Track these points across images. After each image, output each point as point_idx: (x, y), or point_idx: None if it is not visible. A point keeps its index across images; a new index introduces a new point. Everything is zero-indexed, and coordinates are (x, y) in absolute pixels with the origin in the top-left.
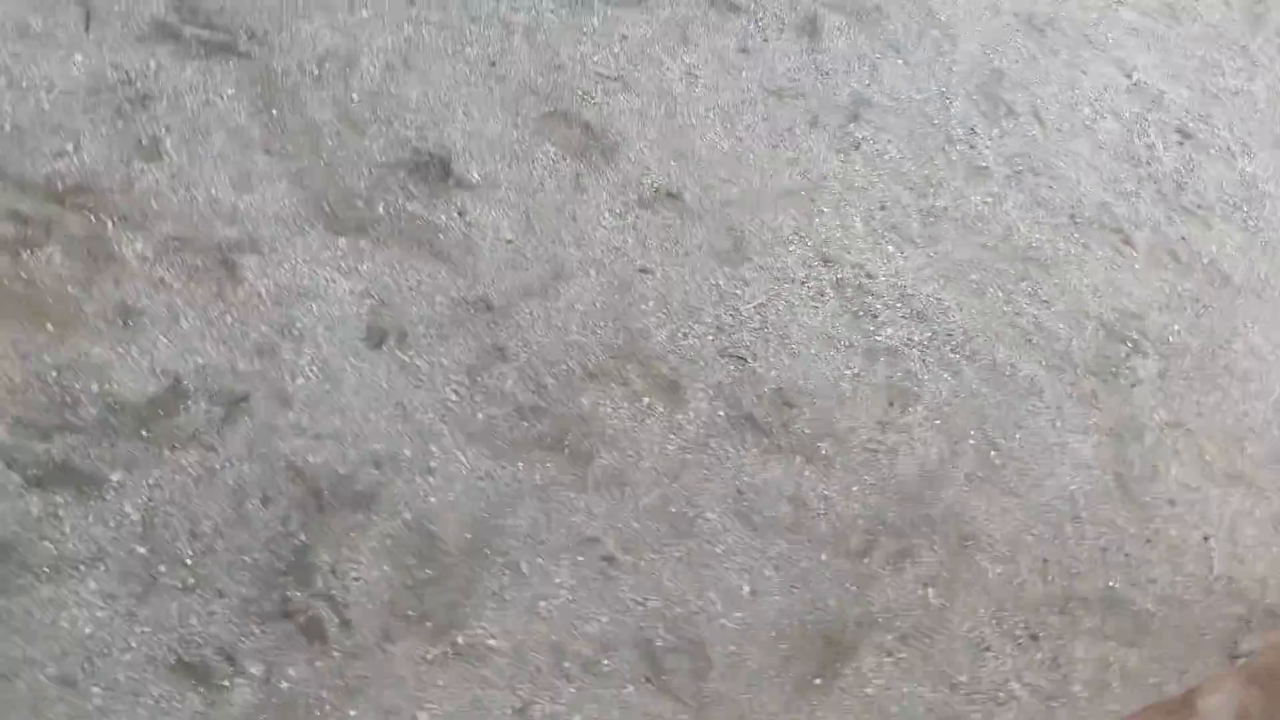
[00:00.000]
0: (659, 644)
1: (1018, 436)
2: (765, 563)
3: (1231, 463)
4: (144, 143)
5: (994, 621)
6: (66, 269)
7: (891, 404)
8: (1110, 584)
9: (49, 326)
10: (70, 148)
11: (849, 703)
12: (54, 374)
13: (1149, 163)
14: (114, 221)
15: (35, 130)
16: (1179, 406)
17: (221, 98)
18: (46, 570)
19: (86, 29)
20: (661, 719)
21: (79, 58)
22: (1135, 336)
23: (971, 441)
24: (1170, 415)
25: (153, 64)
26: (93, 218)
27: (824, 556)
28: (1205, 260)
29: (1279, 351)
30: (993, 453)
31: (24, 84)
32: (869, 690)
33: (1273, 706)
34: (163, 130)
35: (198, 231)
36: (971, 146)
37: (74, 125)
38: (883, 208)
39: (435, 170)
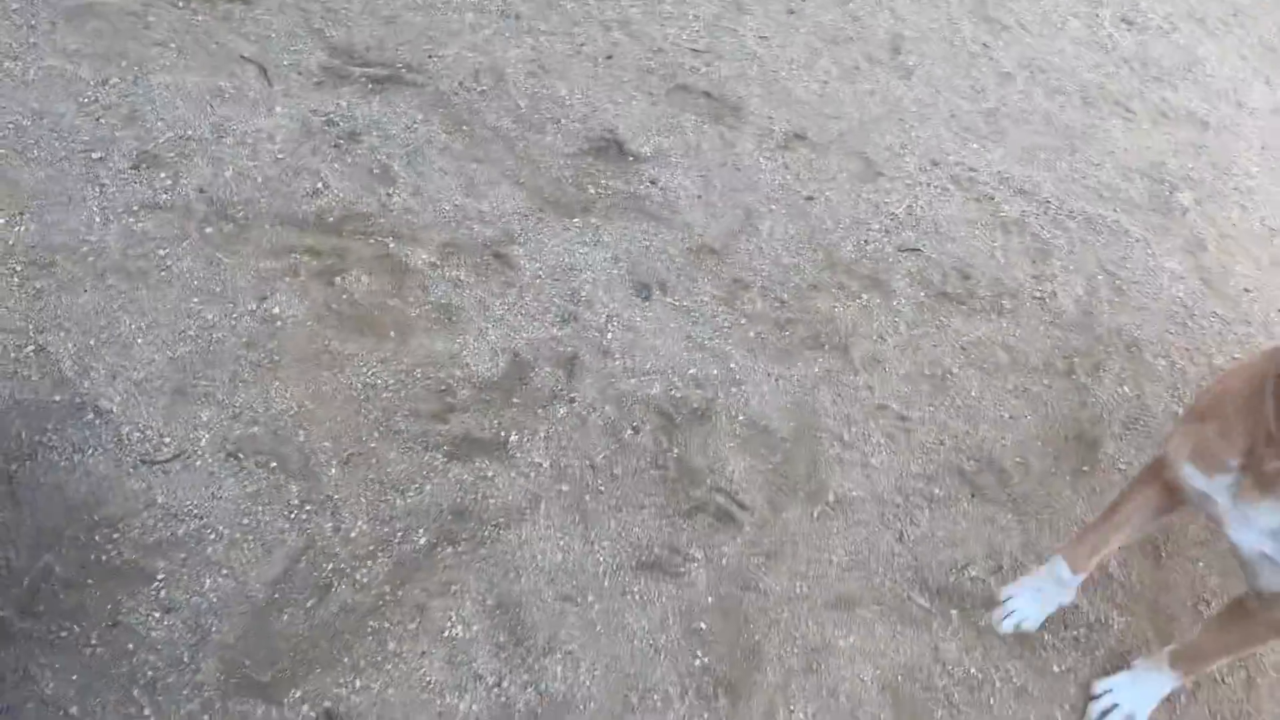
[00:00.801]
0: (968, 468)
1: (1127, 265)
2: (1007, 396)
3: (1274, 254)
4: (375, 170)
5: (1173, 397)
6: (376, 285)
7: (1034, 262)
8: (1233, 355)
9: (391, 334)
10: (320, 185)
11: (1114, 478)
12: (418, 371)
13: (1113, 49)
14: (391, 239)
15: (281, 177)
16: (1219, 221)
17: (415, 122)
18: (502, 520)
19: (269, 83)
20: (993, 520)
21: (279, 109)
22: (1168, 178)
23: (1100, 276)
24: (1217, 230)
25: (343, 104)
26: (372, 240)
27: (1045, 381)
28: (1184, 113)
29: (1265, 167)
30: (1116, 280)
31: (248, 140)
32: (1121, 465)
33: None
34: (385, 157)
35: (462, 235)
36: (990, 58)
37: (311, 166)
38: (952, 115)
39: (613, 151)
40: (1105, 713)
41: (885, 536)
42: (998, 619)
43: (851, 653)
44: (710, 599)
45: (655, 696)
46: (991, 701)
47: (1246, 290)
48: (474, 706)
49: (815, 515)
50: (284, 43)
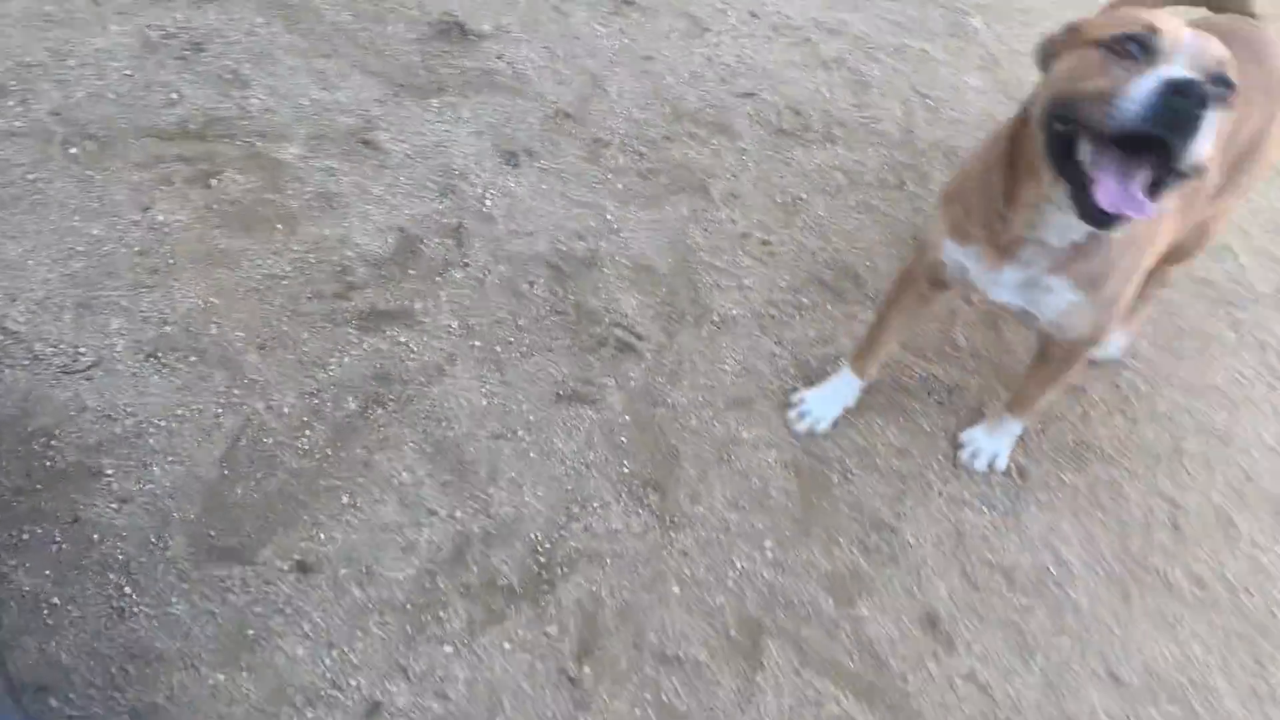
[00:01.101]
0: (827, 277)
1: (936, 86)
2: (851, 211)
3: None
4: (226, 76)
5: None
6: (252, 183)
7: (855, 93)
8: None
9: (278, 227)
10: (175, 96)
11: None
12: (312, 257)
13: None
14: (257, 139)
15: (134, 92)
16: (1007, 39)
17: (255, 26)
18: (423, 378)
19: (96, 2)
20: (855, 317)
21: (113, 28)
22: (959, 5)
23: (914, 99)
24: (1006, 47)
25: (178, 16)
26: (238, 141)
27: (881, 195)
28: None
29: None
30: (928, 101)
31: (90, 61)
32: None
33: None
34: (233, 63)
35: (325, 126)
36: None
37: (161, 79)
38: None
39: (455, 32)
40: (974, 455)
41: (766, 343)
42: (793, 420)
43: (755, 442)
44: (626, 417)
45: (594, 504)
46: (878, 463)
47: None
48: (434, 536)
49: (704, 335)
50: None
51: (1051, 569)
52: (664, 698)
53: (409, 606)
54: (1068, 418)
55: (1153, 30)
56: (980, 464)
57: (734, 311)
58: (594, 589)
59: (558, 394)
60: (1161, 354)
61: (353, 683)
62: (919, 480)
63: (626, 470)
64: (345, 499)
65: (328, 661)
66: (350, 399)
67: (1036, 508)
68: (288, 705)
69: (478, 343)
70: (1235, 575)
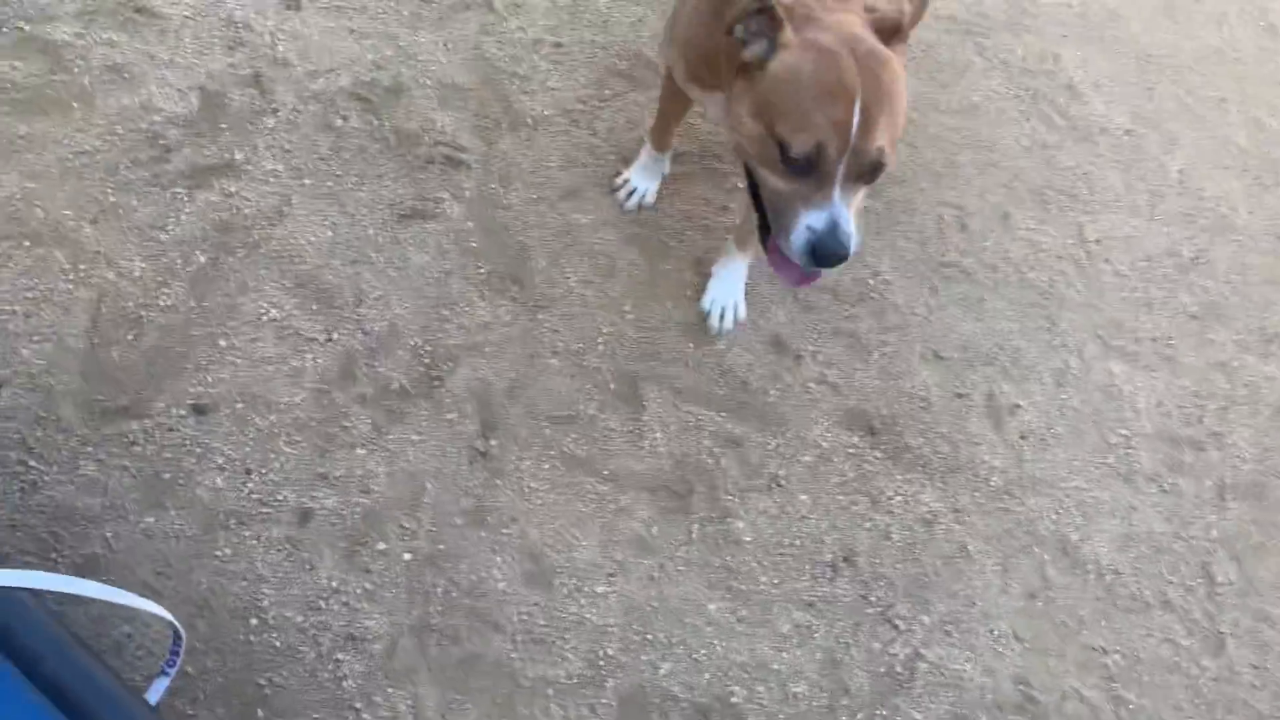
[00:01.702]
0: (622, 67)
1: None
2: (629, 4)
3: None
4: None
5: None
6: (33, 67)
7: None
8: None
9: (74, 105)
10: None
11: None
12: (118, 128)
13: None
14: (23, 23)
15: None
16: None
17: None
18: (264, 222)
19: None
20: (644, 95)
21: None
22: None
23: None
24: None
25: None
26: (3, 29)
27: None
28: None
29: None
30: None
31: None
32: None
33: None
34: None
35: (89, 1)
36: None
37: None
38: None
39: None
40: (721, 314)
41: (582, 136)
42: (622, 200)
43: (594, 225)
44: (470, 224)
45: (461, 304)
46: (705, 222)
47: None
48: (318, 361)
49: (523, 138)
50: None
51: (869, 281)
52: (566, 449)
53: (313, 423)
54: None
55: (823, 148)
56: (728, 321)
57: (545, 112)
58: (481, 375)
59: (399, 215)
60: (926, 85)
61: (280, 497)
62: None
63: (483, 271)
64: (222, 343)
65: (250, 486)
66: (198, 253)
67: None
68: (222, 530)
69: (308, 180)
70: (1018, 257)
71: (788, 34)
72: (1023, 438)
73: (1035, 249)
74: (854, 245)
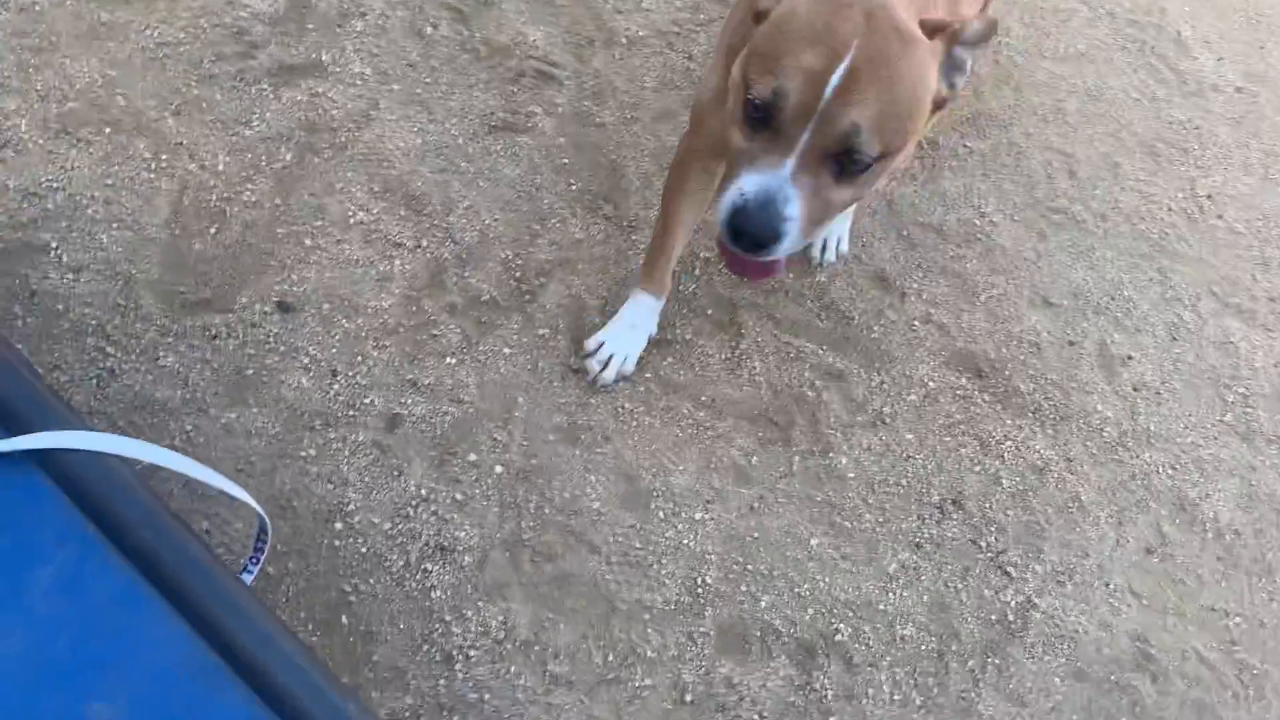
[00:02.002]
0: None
1: None
2: None
3: None
4: None
5: None
6: None
7: None
8: None
9: (159, 3)
10: None
11: None
12: (203, 21)
13: None
14: None
15: None
16: None
17: None
18: (352, 124)
19: None
20: None
21: None
22: None
23: None
24: None
25: None
26: None
27: None
28: None
29: None
30: None
31: None
32: None
33: None
34: None
35: None
36: None
37: None
38: None
39: None
40: (823, 249)
41: (677, 59)
42: (594, 372)
43: None
44: (562, 140)
45: (553, 220)
46: None
47: None
48: (407, 266)
49: (616, 57)
50: None
51: (975, 221)
52: (663, 374)
53: (401, 329)
54: (963, 95)
55: (781, 95)
56: (829, 254)
57: (640, 33)
58: (573, 292)
59: (489, 126)
60: (1030, 30)
61: (367, 401)
62: None
63: (575, 188)
64: (308, 242)
65: (336, 388)
66: (283, 150)
67: (950, 173)
68: (307, 431)
69: (396, 86)
70: (1129, 207)
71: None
72: (1136, 390)
73: (1146, 200)
74: (791, 235)
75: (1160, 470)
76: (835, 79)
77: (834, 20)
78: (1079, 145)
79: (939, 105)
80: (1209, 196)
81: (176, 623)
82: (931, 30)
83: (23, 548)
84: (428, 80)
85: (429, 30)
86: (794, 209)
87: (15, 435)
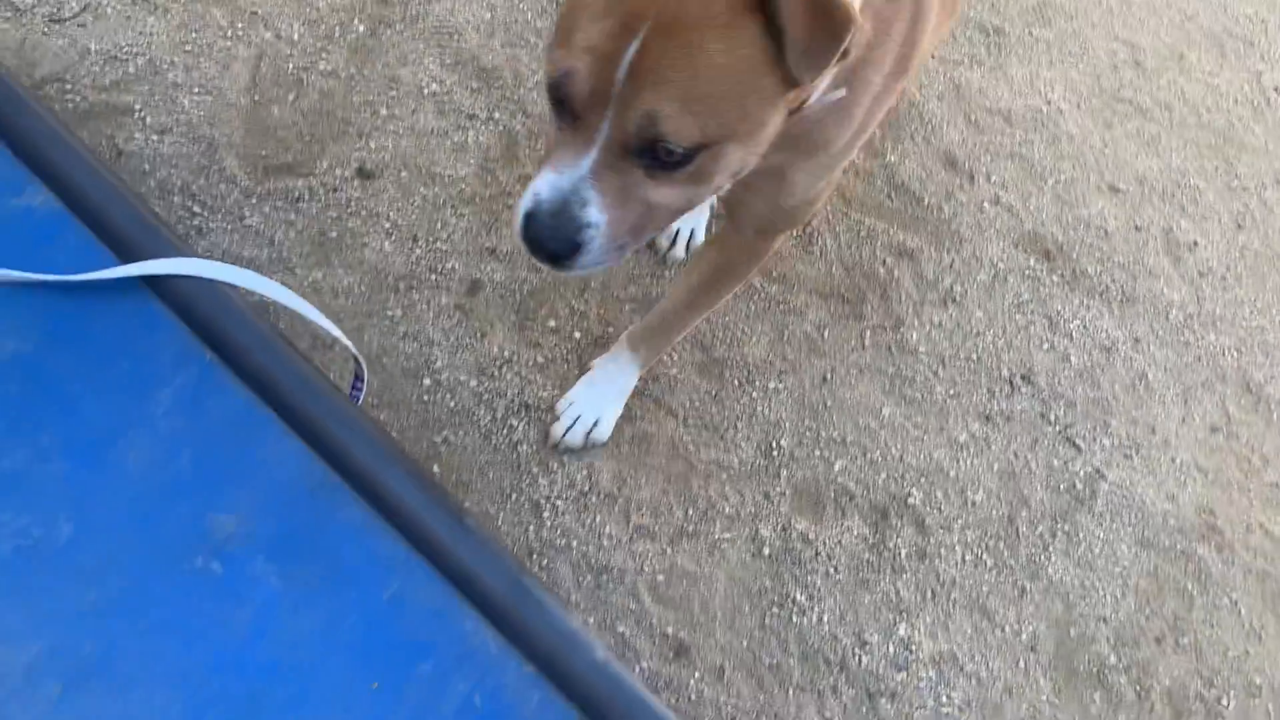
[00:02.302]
0: None
1: None
2: None
3: None
4: None
5: None
6: None
7: None
8: None
9: None
10: None
11: None
12: None
13: None
14: None
15: None
16: None
17: None
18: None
19: None
20: None
21: None
22: None
23: None
24: None
25: None
26: None
27: None
28: None
29: None
30: None
31: None
32: None
33: None
34: None
35: None
36: None
37: None
38: None
39: None
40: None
41: None
42: (557, 436)
43: None
44: None
45: None
46: None
47: None
48: (480, 138)
49: None
50: None
51: (1042, 108)
52: None
53: (478, 199)
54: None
55: (569, 77)
56: (576, 435)
57: None
58: None
59: (556, 1)
60: None
61: (448, 266)
62: None
63: None
64: (383, 111)
65: (418, 252)
66: (356, 22)
67: (1017, 60)
68: (392, 292)
69: None
70: (1195, 98)
71: None
72: (1201, 275)
73: (1212, 91)
74: (597, 245)
75: (1226, 353)
76: (628, 57)
77: None
78: (1145, 36)
79: (796, 89)
80: (1276, 89)
81: (294, 441)
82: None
83: (143, 370)
84: None
85: None
86: (595, 214)
87: (127, 263)
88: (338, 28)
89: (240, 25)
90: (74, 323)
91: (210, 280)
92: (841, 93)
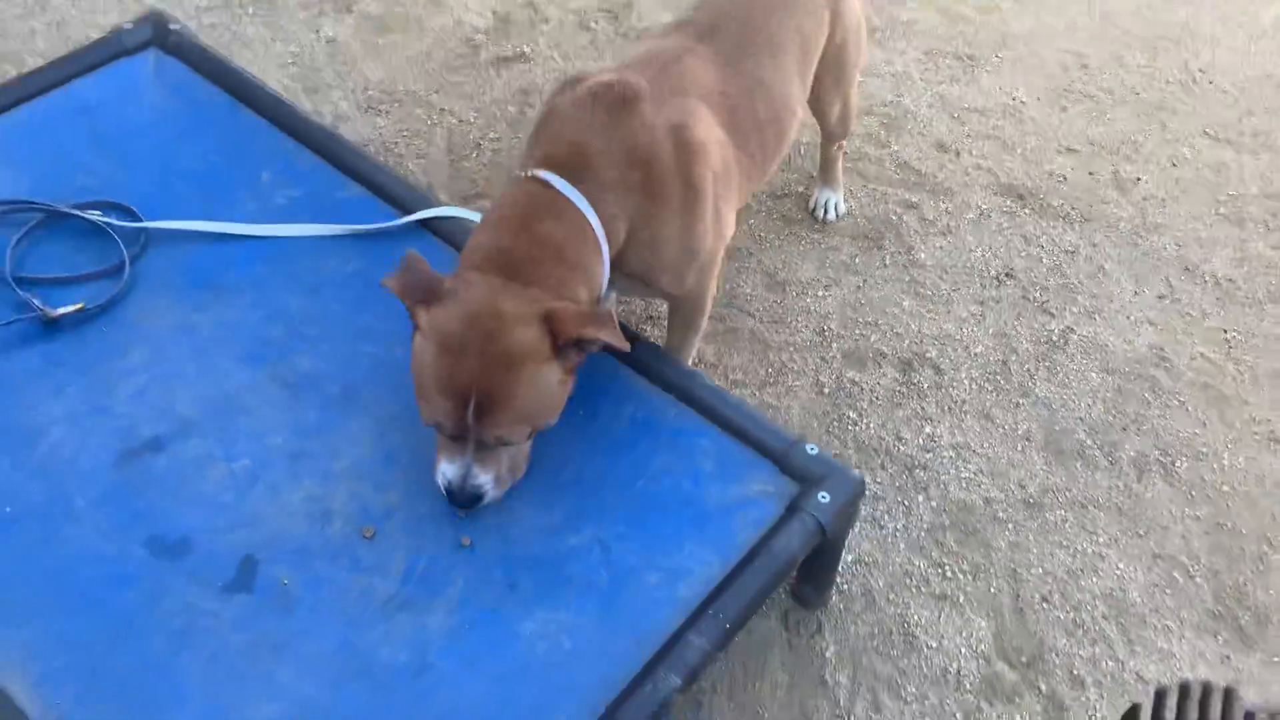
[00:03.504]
0: None
1: None
2: None
3: None
4: None
5: None
6: (378, 6)
7: None
8: None
9: (411, 24)
10: None
11: None
12: (443, 38)
13: None
14: None
15: None
16: None
17: None
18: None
19: None
20: None
21: None
22: None
23: None
24: None
25: None
26: None
27: None
28: None
29: None
30: None
31: None
32: None
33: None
34: None
35: None
36: None
37: None
38: None
39: None
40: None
41: None
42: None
43: None
44: None
45: None
46: None
47: None
48: None
49: None
50: None
51: (1008, 103)
52: (784, 214)
53: None
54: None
55: (439, 427)
56: (830, 214)
57: None
58: None
59: None
60: None
61: None
62: None
63: None
64: None
65: None
66: (510, 107)
67: (987, 75)
68: None
69: (575, 61)
70: (1133, 83)
71: (421, 318)
72: (1145, 199)
73: (1147, 77)
74: (491, 491)
75: (1167, 247)
76: (470, 414)
77: (453, 369)
78: (1090, 47)
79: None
80: (1201, 70)
81: (653, 386)
82: (551, 322)
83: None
84: (594, 57)
85: (593, 26)
86: (485, 479)
87: (409, 214)
88: (497, 111)
89: (434, 116)
90: (387, 250)
91: (456, 218)
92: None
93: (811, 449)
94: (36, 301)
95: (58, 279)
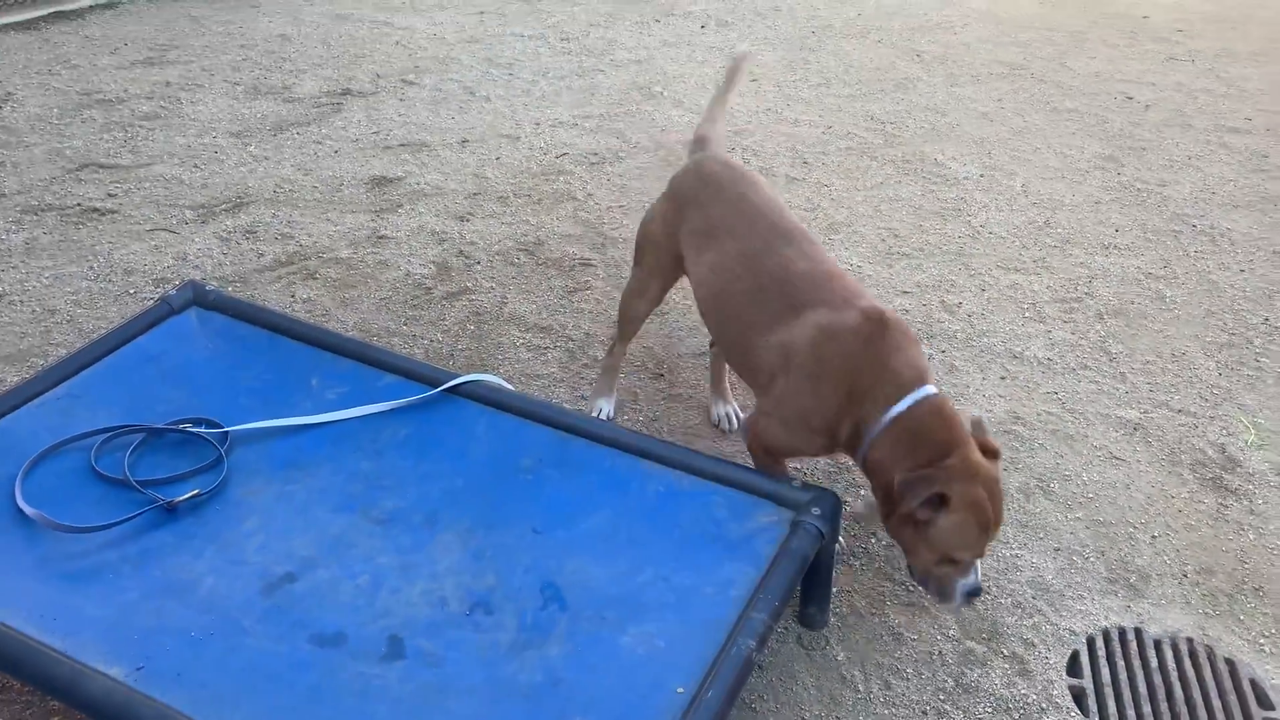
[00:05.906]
0: None
1: None
2: None
3: None
4: None
5: None
6: (334, 271)
7: None
8: None
9: (369, 280)
10: None
11: None
12: (397, 286)
13: None
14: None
15: None
16: None
17: None
18: (497, 307)
19: None
20: None
21: None
22: None
23: None
24: None
25: None
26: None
27: None
28: None
29: None
30: None
31: None
32: None
33: None
34: None
35: None
36: None
37: None
38: None
39: None
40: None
41: None
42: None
43: None
44: (614, 295)
45: None
46: None
47: None
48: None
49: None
50: None
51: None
52: None
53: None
54: None
55: (966, 569)
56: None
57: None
58: None
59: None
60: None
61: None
62: None
63: None
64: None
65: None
66: (457, 342)
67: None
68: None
69: (513, 289)
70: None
71: (955, 500)
72: (969, 316)
73: (945, 238)
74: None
75: (996, 344)
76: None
77: (988, 516)
78: (896, 223)
79: None
80: (981, 226)
81: (655, 466)
82: (987, 453)
83: (459, 420)
84: (525, 283)
85: (516, 260)
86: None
87: (435, 387)
88: (459, 330)
89: (409, 340)
90: (428, 414)
91: (475, 381)
92: None
93: (795, 484)
94: (158, 495)
95: (167, 479)
